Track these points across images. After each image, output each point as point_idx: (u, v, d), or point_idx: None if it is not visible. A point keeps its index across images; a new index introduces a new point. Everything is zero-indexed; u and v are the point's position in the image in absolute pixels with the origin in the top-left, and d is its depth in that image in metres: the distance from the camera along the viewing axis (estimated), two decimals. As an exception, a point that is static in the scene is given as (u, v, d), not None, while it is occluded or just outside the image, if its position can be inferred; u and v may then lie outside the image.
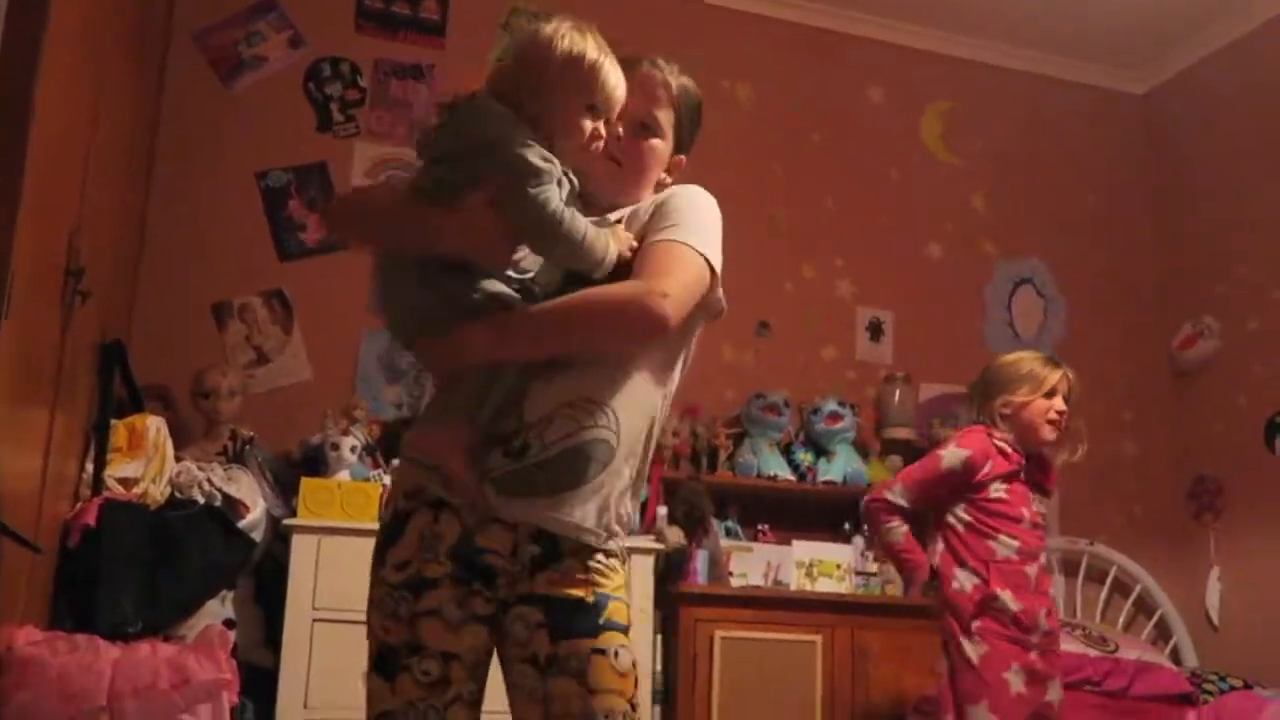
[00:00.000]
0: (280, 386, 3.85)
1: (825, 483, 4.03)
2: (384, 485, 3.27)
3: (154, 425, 2.97)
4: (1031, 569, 2.88)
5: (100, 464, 2.84)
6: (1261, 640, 4.16)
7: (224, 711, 2.51)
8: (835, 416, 4.13)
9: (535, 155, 1.54)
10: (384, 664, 1.55)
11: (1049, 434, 2.97)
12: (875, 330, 4.60)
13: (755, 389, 4.14)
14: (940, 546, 2.94)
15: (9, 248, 2.09)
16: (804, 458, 4.07)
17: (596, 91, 1.61)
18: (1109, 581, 4.51)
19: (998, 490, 2.90)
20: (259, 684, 2.94)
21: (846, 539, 3.94)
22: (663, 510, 3.66)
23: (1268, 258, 4.46)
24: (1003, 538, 2.87)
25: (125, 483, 2.83)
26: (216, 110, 3.99)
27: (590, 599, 1.59)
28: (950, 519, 2.93)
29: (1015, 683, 2.76)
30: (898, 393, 4.36)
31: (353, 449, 3.32)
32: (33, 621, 2.50)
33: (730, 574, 3.68)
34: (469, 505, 1.57)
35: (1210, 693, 3.92)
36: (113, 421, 2.94)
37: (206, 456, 3.24)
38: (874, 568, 3.86)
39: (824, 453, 4.11)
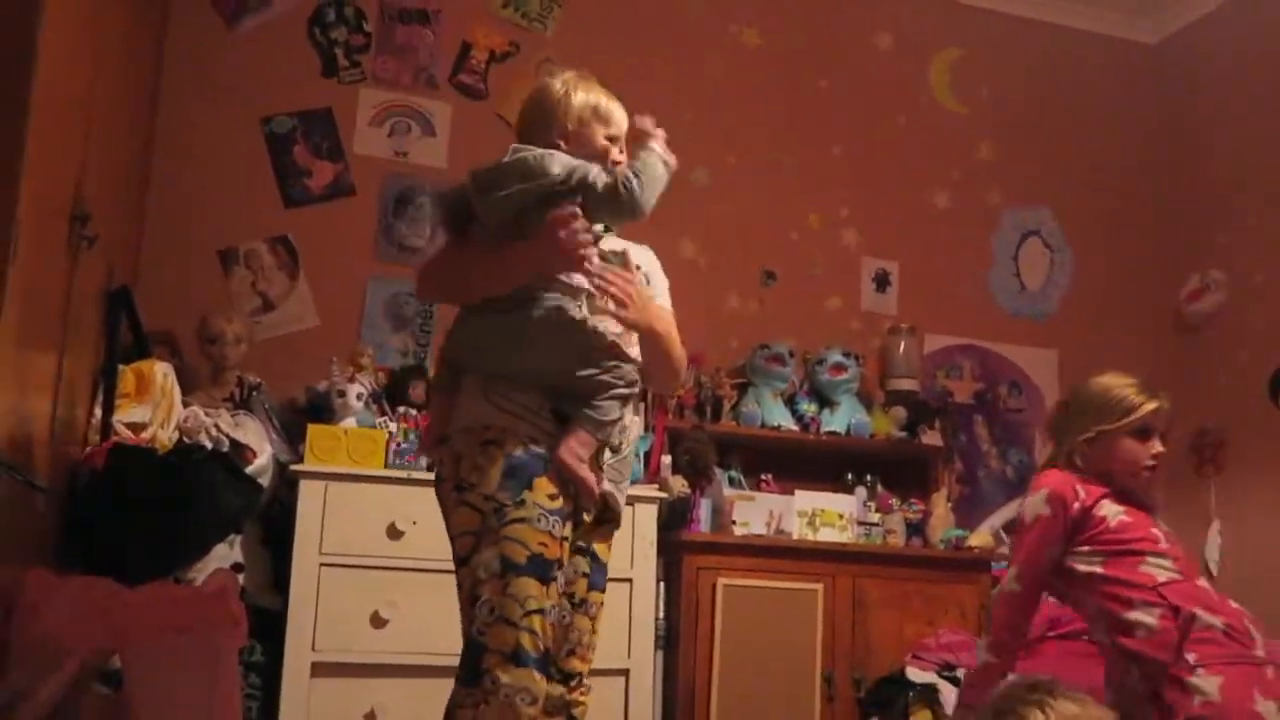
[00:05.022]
0: (286, 333, 3.86)
1: (829, 433, 4.05)
2: (389, 433, 3.29)
3: (161, 370, 2.98)
4: (1204, 583, 2.38)
5: (108, 409, 2.85)
6: (1260, 592, 4.18)
7: (233, 653, 2.54)
8: (839, 367, 4.13)
9: (597, 172, 2.03)
10: (541, 570, 1.89)
11: (1142, 480, 2.47)
12: (881, 281, 4.59)
13: (760, 339, 4.14)
14: (1095, 611, 2.39)
15: (14, 193, 2.10)
16: (808, 408, 4.08)
17: (612, 126, 2.12)
18: (1109, 533, 4.53)
19: (1115, 515, 2.38)
20: (267, 626, 2.99)
21: (849, 489, 3.96)
22: (667, 459, 3.68)
23: (1276, 210, 4.43)
24: (1151, 559, 2.34)
25: (133, 427, 2.85)
26: (220, 53, 3.95)
27: (607, 562, 2.17)
28: (1082, 569, 2.38)
29: (1270, 713, 2.17)
30: (903, 344, 4.36)
31: (359, 396, 3.34)
32: (43, 564, 2.53)
33: (733, 523, 3.70)
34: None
35: (1208, 643, 3.94)
36: (120, 367, 2.94)
37: (213, 402, 3.25)
38: (875, 518, 3.89)
39: (828, 403, 4.12)
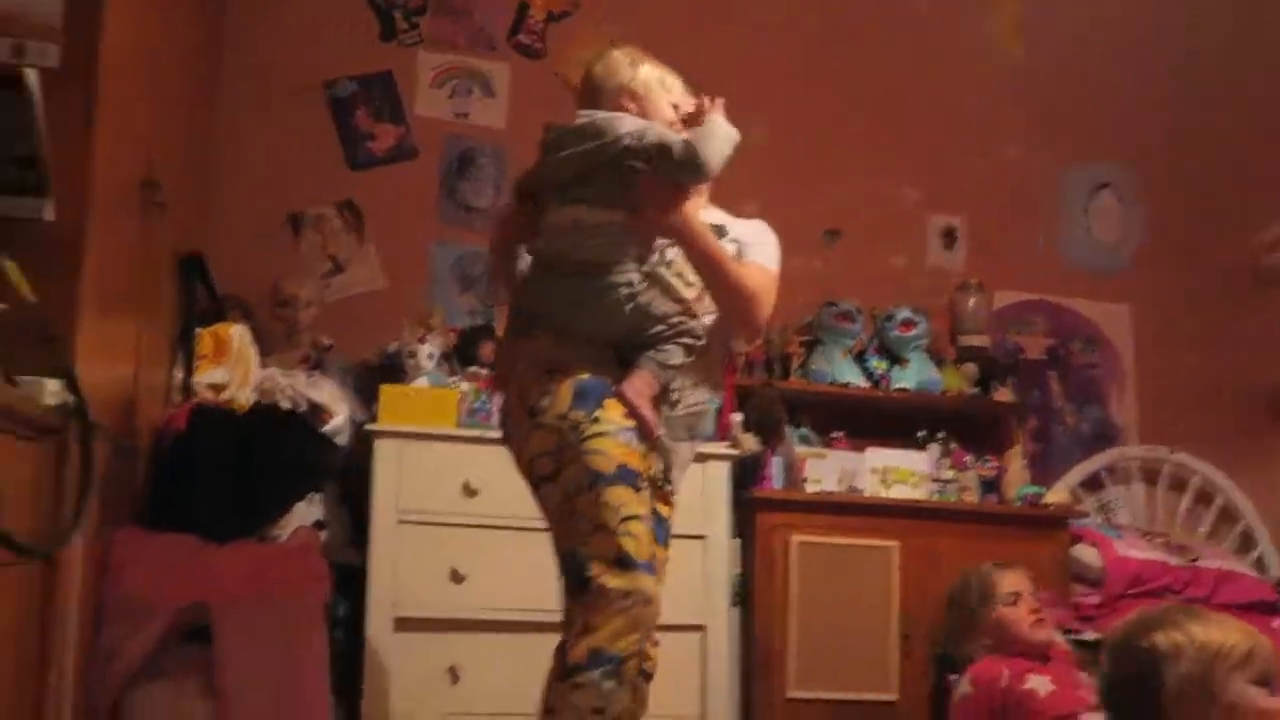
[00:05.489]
0: (355, 295, 3.88)
1: (899, 390, 4.00)
2: (460, 392, 3.29)
3: (237, 333, 3.01)
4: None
5: (188, 371, 2.89)
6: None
7: (317, 608, 2.58)
8: (909, 324, 4.07)
9: (665, 131, 2.05)
10: (630, 479, 1.91)
11: (1041, 634, 2.85)
12: (948, 237, 4.51)
13: (826, 296, 4.09)
14: None
15: (87, 163, 2.12)
16: (878, 365, 4.03)
17: (675, 95, 2.17)
18: (1190, 491, 4.45)
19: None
20: (348, 582, 3.01)
21: (921, 446, 3.91)
22: (737, 417, 3.65)
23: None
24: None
25: (213, 389, 2.88)
26: (282, 17, 3.96)
27: (670, 519, 2.18)
28: None
29: None
30: (972, 300, 4.29)
31: (430, 356, 3.35)
32: (131, 523, 2.58)
33: (804, 480, 3.67)
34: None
35: (1295, 603, 3.87)
36: (197, 330, 2.98)
37: (289, 364, 3.28)
38: (949, 475, 3.84)
39: (898, 360, 4.07)
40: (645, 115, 2.08)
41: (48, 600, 1.89)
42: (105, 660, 2.31)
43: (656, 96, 2.12)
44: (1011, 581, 2.90)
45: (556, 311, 2.05)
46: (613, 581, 1.82)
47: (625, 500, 1.88)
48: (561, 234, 2.04)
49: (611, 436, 1.92)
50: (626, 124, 2.02)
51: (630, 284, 2.02)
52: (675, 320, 2.05)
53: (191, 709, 2.34)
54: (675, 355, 2.05)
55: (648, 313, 2.03)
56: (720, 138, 2.04)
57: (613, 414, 1.95)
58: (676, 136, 2.03)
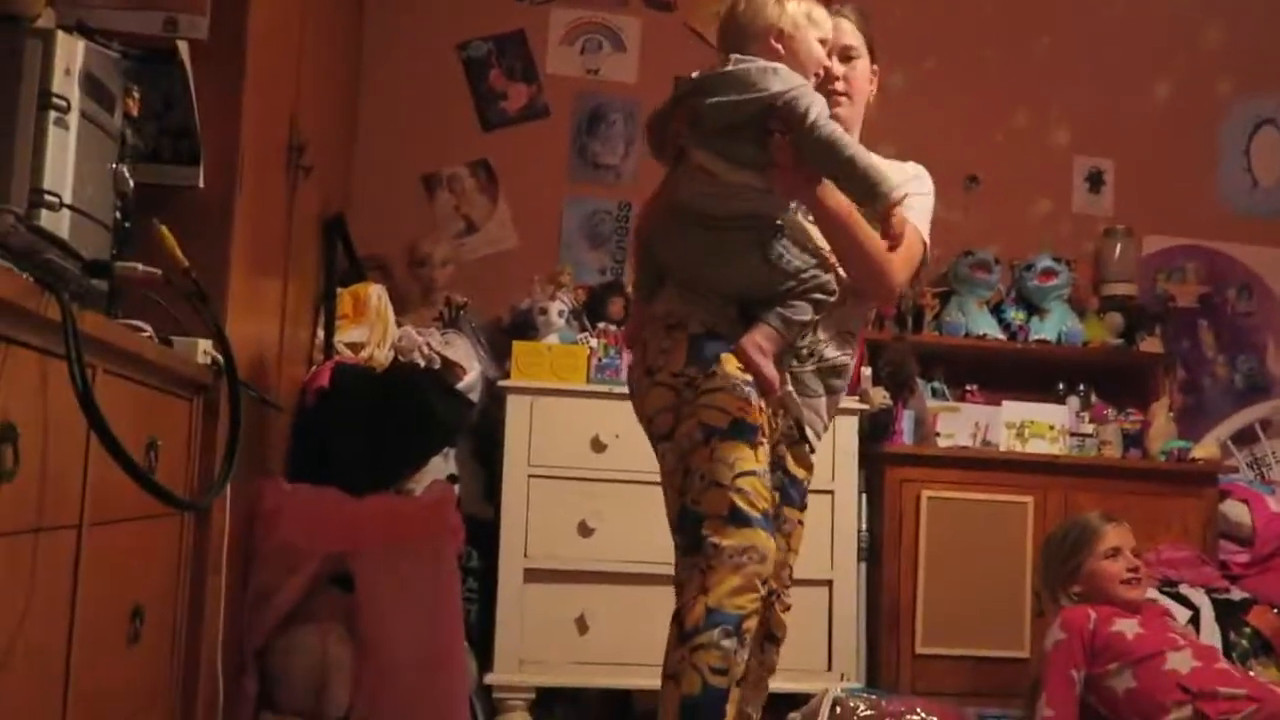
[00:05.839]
0: (489, 254, 3.97)
1: (1038, 341, 3.89)
2: (590, 348, 3.36)
3: (375, 293, 3.12)
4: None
5: (330, 330, 3.01)
6: None
7: (452, 558, 2.68)
8: (1049, 273, 3.95)
9: (813, 97, 1.91)
10: (746, 433, 1.86)
11: (1133, 593, 2.80)
12: (1094, 180, 4.34)
13: (963, 246, 3.99)
14: None
15: (237, 127, 2.21)
16: (1015, 316, 3.93)
17: (825, 31, 2.01)
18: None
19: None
20: (481, 534, 3.13)
21: (1060, 400, 3.81)
22: (867, 371, 3.61)
23: None
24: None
25: (353, 347, 3.00)
26: (416, -19, 4.05)
27: (808, 481, 2.13)
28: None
29: None
30: (1119, 246, 4.13)
31: (560, 313, 3.41)
32: (278, 475, 2.72)
33: (937, 435, 3.62)
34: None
35: None
36: (338, 290, 3.10)
37: (424, 322, 3.39)
38: (1089, 429, 3.73)
39: (1037, 310, 3.96)
40: (794, 54, 1.95)
41: (200, 548, 2.00)
42: (256, 604, 2.47)
43: (805, 34, 1.97)
44: (1114, 536, 2.84)
45: (686, 264, 1.99)
46: (727, 539, 1.78)
47: (741, 455, 1.83)
48: (698, 186, 1.96)
49: (727, 391, 1.87)
50: (780, 81, 1.89)
51: (764, 240, 1.94)
52: (808, 275, 1.96)
53: (335, 652, 2.47)
54: (803, 311, 1.97)
55: (780, 268, 1.95)
56: (846, 143, 1.90)
57: (729, 368, 1.89)
58: (819, 110, 1.88)
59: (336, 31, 3.50)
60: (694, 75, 1.96)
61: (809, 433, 2.10)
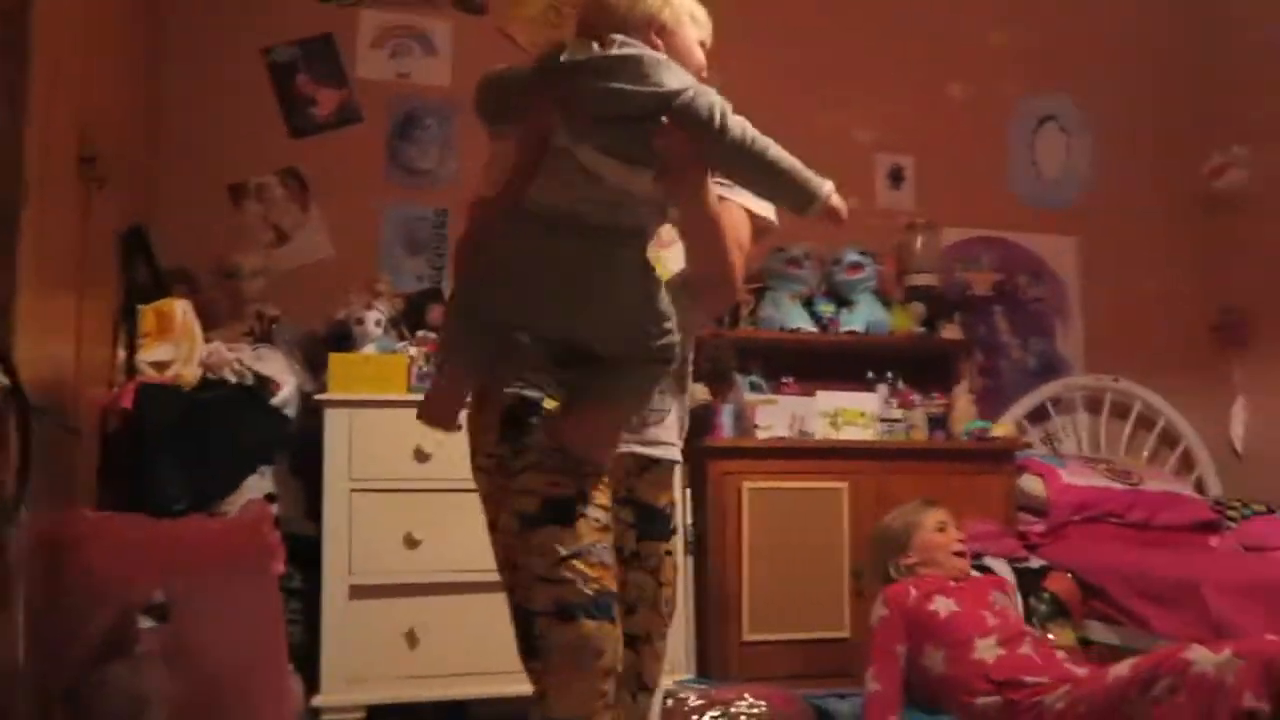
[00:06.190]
0: (302, 264, 3.87)
1: (848, 332, 4.04)
2: (409, 357, 3.32)
3: (181, 308, 3.01)
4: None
5: (132, 349, 2.90)
6: (1284, 467, 4.21)
7: (272, 580, 2.61)
8: (857, 266, 4.11)
9: (714, 96, 1.65)
10: (560, 512, 1.64)
11: (959, 563, 3.02)
12: (895, 177, 4.55)
13: (776, 243, 4.12)
14: None
15: (19, 138, 2.10)
16: (825, 309, 4.07)
17: (704, 33, 1.83)
18: (1133, 417, 4.55)
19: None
20: (305, 553, 3.05)
21: (870, 387, 3.98)
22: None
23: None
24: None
25: (158, 366, 2.89)
26: (216, -15, 3.91)
27: (670, 504, 1.93)
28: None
29: None
30: (920, 239, 4.32)
31: (377, 323, 3.36)
32: (83, 504, 2.60)
33: (756, 427, 3.73)
34: None
35: (1234, 519, 3.99)
36: (140, 306, 2.98)
37: (234, 337, 3.29)
38: (898, 414, 3.90)
39: (846, 303, 4.11)
40: (673, 52, 1.71)
41: (-4, 586, 1.91)
42: (62, 640, 2.35)
43: (686, 32, 1.76)
44: (942, 513, 3.05)
45: (539, 287, 1.64)
46: (559, 638, 1.59)
47: (559, 539, 1.61)
48: (577, 191, 1.63)
49: (533, 469, 1.65)
50: (675, 76, 1.64)
51: (645, 266, 1.68)
52: (669, 327, 1.68)
53: (151, 686, 2.37)
54: (655, 381, 1.73)
55: (655, 308, 1.67)
56: (766, 147, 1.67)
57: (538, 438, 1.67)
58: (736, 119, 1.65)
59: (131, 37, 3.36)
60: (567, 52, 1.66)
61: (658, 454, 1.89)
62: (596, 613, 1.61)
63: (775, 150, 1.66)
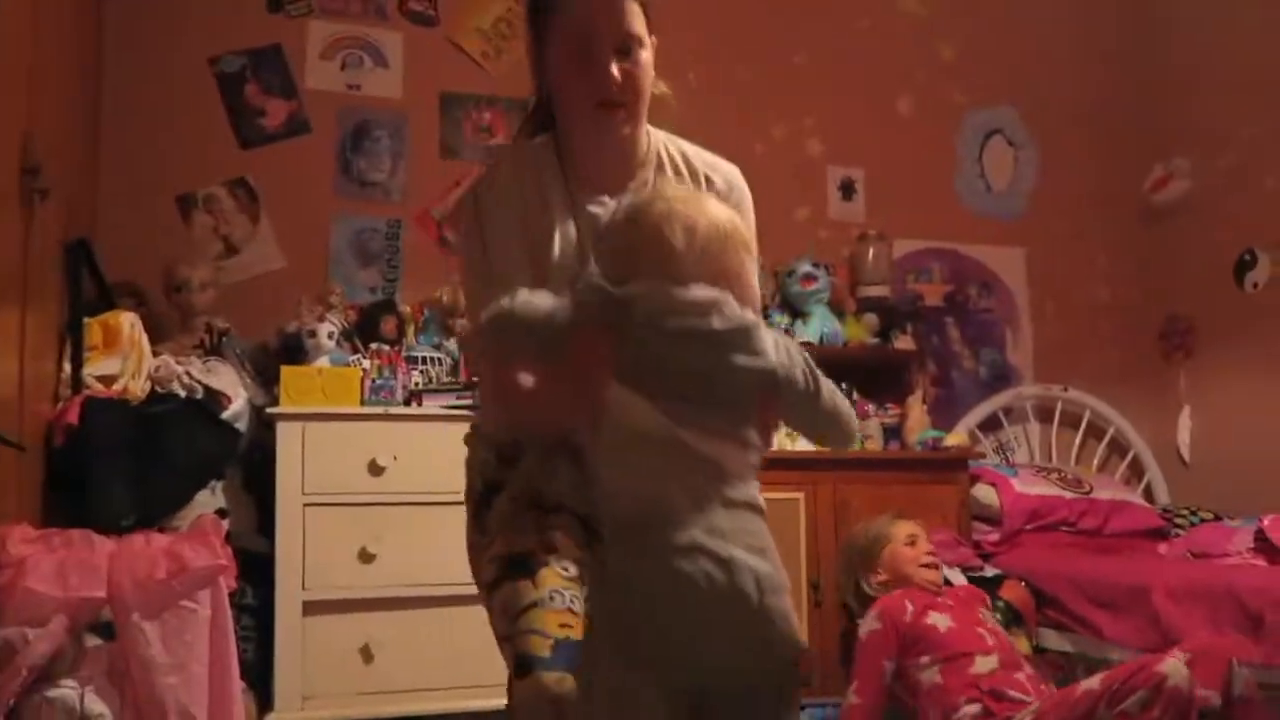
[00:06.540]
0: (252, 276, 3.82)
1: (802, 344, 4.03)
2: (363, 370, 3.28)
3: (128, 321, 2.96)
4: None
5: (78, 363, 2.83)
6: (1230, 474, 4.28)
7: (223, 596, 2.57)
8: (810, 278, 4.13)
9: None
10: (514, 569, 1.53)
11: (930, 574, 3.05)
12: (847, 189, 4.58)
13: (730, 255, 4.12)
14: None
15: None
16: (780, 320, 4.09)
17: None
18: (1083, 425, 4.61)
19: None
20: (256, 568, 3.00)
21: (825, 398, 3.98)
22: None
23: (1237, 96, 4.43)
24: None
25: (105, 380, 2.83)
26: (162, -8, 3.86)
27: None
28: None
29: None
30: (872, 250, 4.35)
31: (330, 335, 3.32)
32: (27, 521, 2.54)
33: (713, 438, 3.71)
34: None
35: (1182, 526, 4.05)
36: (86, 320, 2.92)
37: (183, 350, 3.23)
38: (853, 425, 3.91)
39: (800, 314, 4.13)
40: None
41: (-64, 607, 1.85)
42: (4, 661, 2.29)
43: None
44: (911, 526, 3.07)
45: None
46: (517, 693, 1.48)
47: (518, 592, 1.52)
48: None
49: (499, 534, 1.63)
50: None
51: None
52: None
53: (96, 707, 2.31)
54: None
55: None
56: (832, 393, 1.59)
57: (501, 503, 1.65)
58: (805, 370, 1.55)
59: (76, 48, 3.30)
60: (643, 291, 1.49)
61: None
62: (551, 664, 1.46)
63: (838, 398, 1.60)
